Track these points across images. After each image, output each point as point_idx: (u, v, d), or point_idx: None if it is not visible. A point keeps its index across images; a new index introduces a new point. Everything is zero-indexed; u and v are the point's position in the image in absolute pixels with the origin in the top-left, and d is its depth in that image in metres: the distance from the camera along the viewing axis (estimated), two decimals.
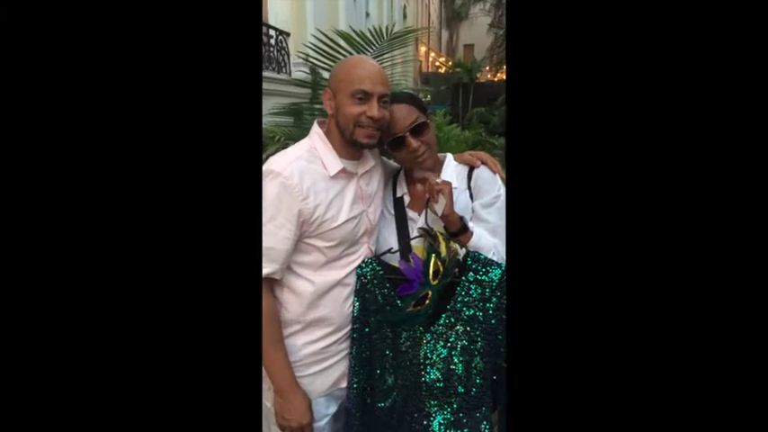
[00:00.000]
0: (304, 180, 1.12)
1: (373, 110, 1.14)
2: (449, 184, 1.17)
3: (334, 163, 1.19)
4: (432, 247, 1.16)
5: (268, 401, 1.22)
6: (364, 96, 1.14)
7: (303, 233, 1.15)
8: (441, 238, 1.16)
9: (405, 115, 1.22)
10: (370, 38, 2.45)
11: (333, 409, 1.30)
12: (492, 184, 1.27)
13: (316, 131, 1.23)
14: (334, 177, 1.18)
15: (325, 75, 2.33)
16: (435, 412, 1.20)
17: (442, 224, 1.19)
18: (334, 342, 1.24)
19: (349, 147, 1.20)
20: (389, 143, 1.24)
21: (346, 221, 1.18)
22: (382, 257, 1.25)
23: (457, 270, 1.18)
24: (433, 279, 1.14)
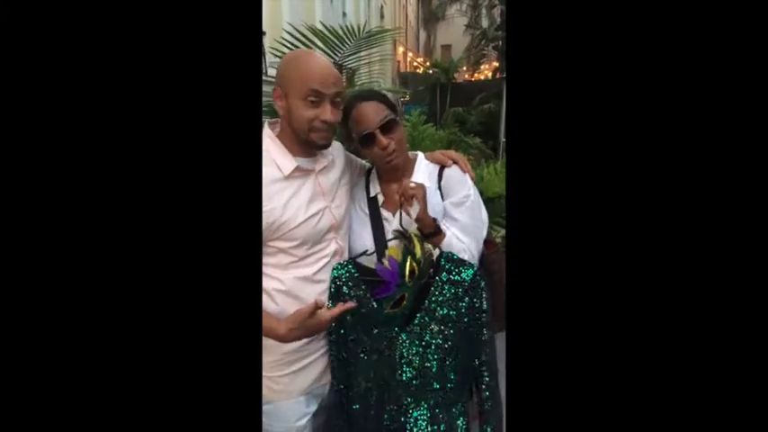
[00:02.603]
0: None
1: (326, 113, 1.13)
2: (422, 187, 1.17)
3: (288, 162, 1.17)
4: (407, 249, 1.17)
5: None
6: (317, 99, 1.12)
7: (263, 237, 1.14)
8: (416, 240, 1.17)
9: (373, 112, 1.22)
10: (343, 35, 2.42)
11: (313, 407, 1.29)
12: (462, 184, 1.28)
13: (267, 134, 1.20)
14: (288, 177, 1.16)
15: None
16: (412, 408, 1.22)
17: (416, 226, 1.19)
18: (313, 339, 1.23)
19: (303, 146, 1.19)
20: (359, 139, 1.24)
21: (306, 220, 1.17)
22: (357, 259, 1.25)
23: (431, 270, 1.19)
24: (409, 280, 1.15)
